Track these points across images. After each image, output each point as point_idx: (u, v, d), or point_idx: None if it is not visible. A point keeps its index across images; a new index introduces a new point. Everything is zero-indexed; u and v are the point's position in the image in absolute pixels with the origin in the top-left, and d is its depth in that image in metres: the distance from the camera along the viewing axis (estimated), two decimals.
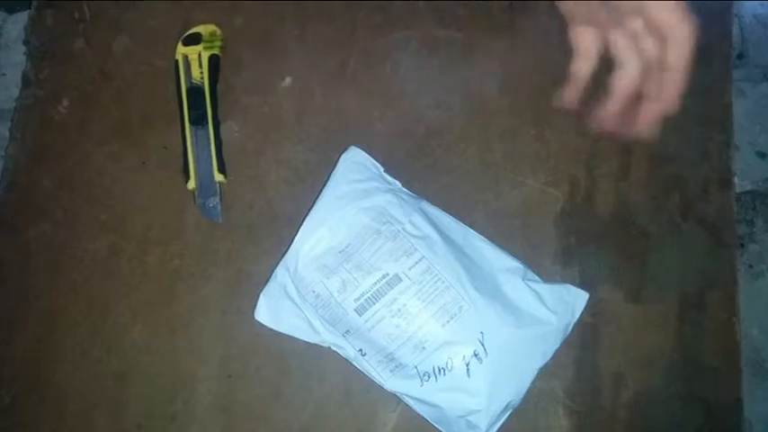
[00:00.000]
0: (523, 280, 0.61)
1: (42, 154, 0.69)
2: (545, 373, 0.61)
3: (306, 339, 0.61)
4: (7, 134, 0.70)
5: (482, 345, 0.57)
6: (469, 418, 0.58)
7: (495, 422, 0.58)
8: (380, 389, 0.60)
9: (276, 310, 0.62)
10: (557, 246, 0.64)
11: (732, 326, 0.63)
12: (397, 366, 0.59)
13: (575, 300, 0.61)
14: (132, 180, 0.67)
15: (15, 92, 0.71)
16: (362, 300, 0.58)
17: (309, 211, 0.61)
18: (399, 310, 0.58)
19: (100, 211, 0.67)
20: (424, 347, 0.57)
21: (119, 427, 0.62)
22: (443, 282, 0.58)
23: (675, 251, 0.64)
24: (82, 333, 0.64)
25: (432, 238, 0.59)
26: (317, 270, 0.60)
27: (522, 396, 0.59)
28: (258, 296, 0.62)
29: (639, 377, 0.62)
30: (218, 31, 0.69)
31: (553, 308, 0.60)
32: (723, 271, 0.64)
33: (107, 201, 0.67)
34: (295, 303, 0.61)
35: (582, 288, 0.62)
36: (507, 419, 0.59)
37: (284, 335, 0.62)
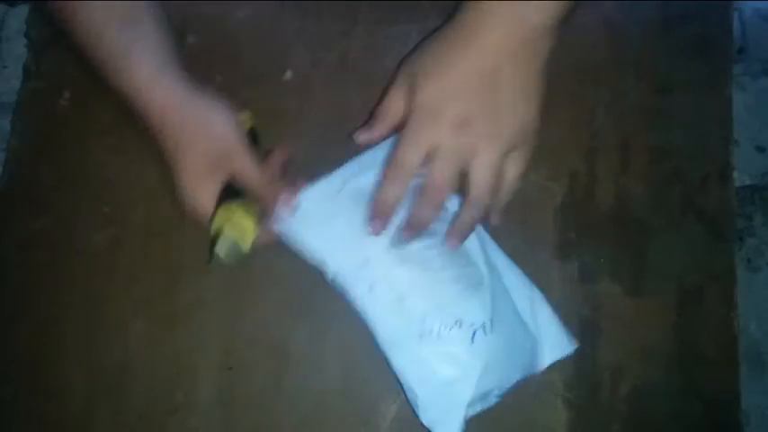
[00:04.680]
0: (530, 298, 0.61)
1: (44, 146, 0.69)
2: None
3: (320, 256, 0.60)
4: (9, 127, 0.70)
5: (491, 322, 0.57)
6: (455, 387, 0.57)
7: (475, 402, 0.57)
8: (381, 381, 0.60)
9: (316, 210, 0.60)
10: (556, 239, 0.64)
11: (730, 320, 0.63)
12: (402, 312, 0.58)
13: (564, 345, 0.61)
14: (134, 173, 0.67)
15: (17, 84, 0.71)
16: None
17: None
18: (427, 259, 0.58)
19: (101, 204, 0.67)
20: (438, 302, 0.57)
21: (120, 419, 0.63)
22: (469, 257, 0.59)
23: (674, 245, 0.64)
24: (83, 326, 0.64)
25: None
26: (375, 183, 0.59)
27: (502, 392, 0.59)
28: (260, 288, 0.62)
29: (638, 370, 0.62)
30: (252, 116, 0.64)
31: (545, 334, 0.61)
32: (722, 265, 0.64)
33: (108, 193, 0.67)
34: (337, 202, 0.60)
35: (581, 284, 0.63)
36: (481, 413, 0.58)
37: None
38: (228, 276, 0.64)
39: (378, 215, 0.57)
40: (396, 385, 0.61)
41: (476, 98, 0.53)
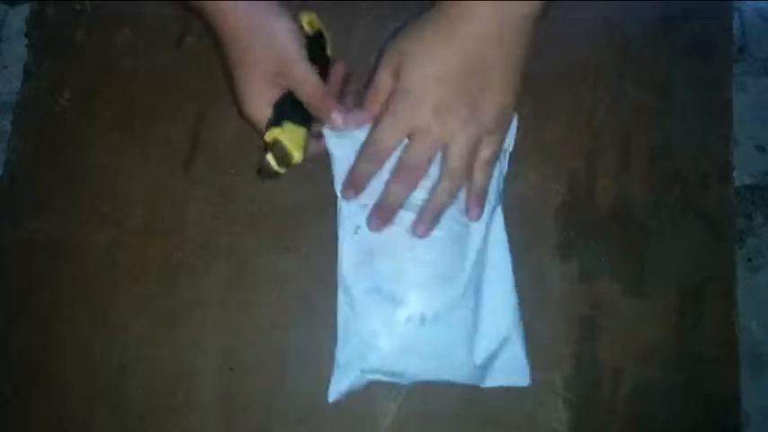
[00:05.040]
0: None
1: (44, 146, 0.69)
2: (544, 365, 0.61)
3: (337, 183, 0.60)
4: (9, 126, 0.70)
5: (433, 318, 0.58)
6: (365, 351, 0.59)
7: (377, 372, 0.59)
8: (380, 381, 0.60)
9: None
10: (556, 239, 0.64)
11: (731, 319, 0.63)
12: (366, 265, 0.59)
13: (518, 376, 0.61)
14: (134, 172, 0.67)
15: (17, 84, 0.71)
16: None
17: None
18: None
19: (101, 204, 0.67)
20: (399, 275, 0.58)
21: (120, 419, 0.63)
22: (462, 253, 0.59)
23: (675, 245, 0.64)
24: (83, 325, 0.64)
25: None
26: None
27: (419, 380, 0.60)
28: (260, 288, 0.62)
29: (638, 370, 0.62)
30: (316, 18, 0.64)
31: (505, 358, 0.60)
32: (722, 264, 0.64)
33: (108, 193, 0.67)
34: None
35: (582, 284, 0.63)
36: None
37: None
38: (228, 276, 0.64)
39: (350, 186, 0.59)
40: (395, 384, 0.61)
41: (457, 84, 0.55)
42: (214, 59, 0.67)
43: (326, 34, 0.63)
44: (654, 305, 0.63)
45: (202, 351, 0.63)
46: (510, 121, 0.59)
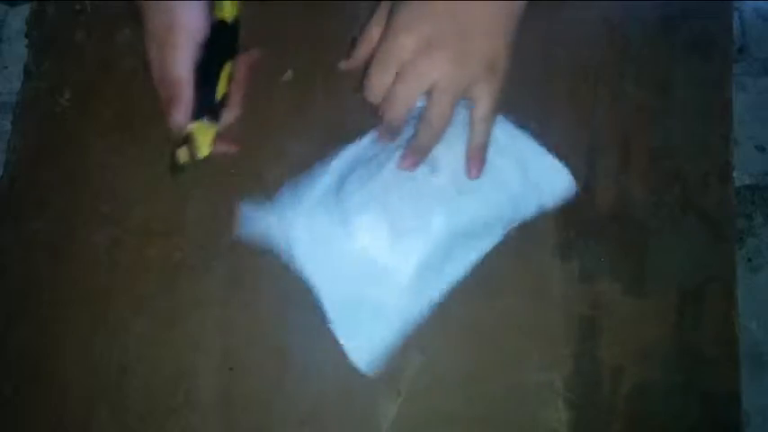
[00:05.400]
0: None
1: (44, 146, 0.69)
2: (544, 365, 0.62)
3: None
4: (9, 127, 0.70)
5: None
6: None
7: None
8: (381, 381, 0.61)
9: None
10: (556, 239, 0.64)
11: (731, 319, 0.63)
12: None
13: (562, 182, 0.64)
14: (134, 172, 0.67)
15: (17, 85, 0.71)
16: None
17: None
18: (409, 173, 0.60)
19: (101, 204, 0.67)
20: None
21: (120, 419, 0.63)
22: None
23: (675, 244, 0.64)
24: (83, 325, 0.64)
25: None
26: None
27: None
28: (260, 288, 0.62)
29: (638, 370, 0.62)
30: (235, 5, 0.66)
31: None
32: (722, 264, 0.64)
33: (108, 193, 0.67)
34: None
35: (582, 284, 0.63)
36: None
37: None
38: (228, 276, 0.64)
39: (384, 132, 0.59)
40: (396, 385, 0.61)
41: (445, 21, 0.54)
42: None
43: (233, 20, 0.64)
44: (654, 305, 0.63)
45: (202, 351, 0.63)
46: (504, 75, 0.57)
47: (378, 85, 0.56)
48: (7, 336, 0.65)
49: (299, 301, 0.63)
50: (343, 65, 0.61)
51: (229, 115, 0.64)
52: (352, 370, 0.62)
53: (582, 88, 0.67)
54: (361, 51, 0.59)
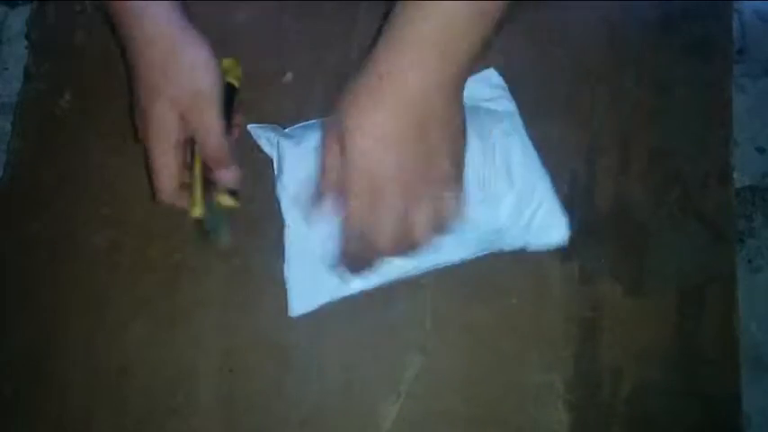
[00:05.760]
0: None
1: (44, 148, 0.69)
2: (544, 366, 0.62)
3: None
4: (9, 128, 0.70)
5: None
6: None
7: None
8: (381, 382, 0.61)
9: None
10: None
11: (731, 320, 0.63)
12: None
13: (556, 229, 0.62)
14: (134, 174, 0.67)
15: (18, 86, 0.71)
16: None
17: None
18: None
19: (101, 205, 0.67)
20: None
21: (119, 420, 0.63)
22: None
23: (675, 246, 0.64)
24: (83, 326, 0.64)
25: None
26: None
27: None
28: (260, 289, 0.62)
29: (639, 371, 0.62)
30: (238, 65, 0.65)
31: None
32: (722, 266, 0.64)
33: (108, 194, 0.67)
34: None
35: (582, 285, 0.63)
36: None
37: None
38: (229, 278, 0.64)
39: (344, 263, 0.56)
40: (396, 386, 0.61)
41: (407, 143, 0.50)
42: None
43: (238, 84, 0.63)
44: (654, 306, 0.63)
45: (202, 352, 0.63)
46: (459, 179, 0.53)
47: (357, 216, 0.52)
48: (7, 336, 0.65)
49: None
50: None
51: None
52: (352, 372, 0.62)
53: (582, 89, 0.67)
54: (330, 189, 0.54)
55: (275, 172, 0.64)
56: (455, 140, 0.52)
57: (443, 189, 0.52)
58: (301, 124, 0.66)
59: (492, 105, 0.64)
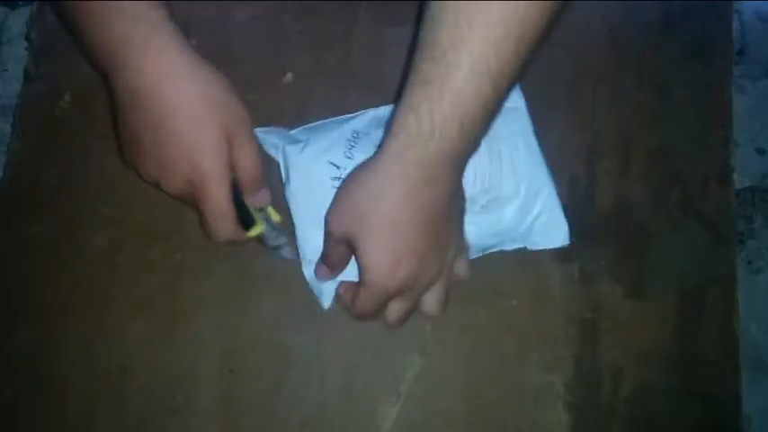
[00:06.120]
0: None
1: (44, 149, 0.69)
2: (544, 367, 0.61)
3: None
4: (9, 129, 0.70)
5: None
6: None
7: None
8: (382, 383, 0.61)
9: None
10: None
11: (731, 322, 0.63)
12: None
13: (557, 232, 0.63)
14: (134, 175, 0.67)
15: (17, 87, 0.71)
16: None
17: None
18: None
19: (101, 206, 0.67)
20: None
21: (119, 421, 0.62)
22: None
23: (675, 247, 0.64)
24: (83, 327, 0.64)
25: None
26: None
27: None
28: (260, 290, 0.63)
29: (639, 372, 0.62)
30: None
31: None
32: (722, 267, 0.64)
33: (109, 195, 0.67)
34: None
35: (582, 286, 0.63)
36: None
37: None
38: (229, 278, 0.64)
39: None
40: (396, 387, 0.61)
41: (430, 255, 0.53)
42: (214, 62, 0.67)
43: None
44: (654, 307, 0.63)
45: (203, 353, 0.63)
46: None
47: (369, 313, 0.56)
48: (7, 337, 0.65)
49: (300, 303, 0.63)
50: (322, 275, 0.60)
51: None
52: (352, 373, 0.62)
53: (582, 90, 0.67)
54: (339, 270, 0.59)
55: (282, 178, 0.64)
56: (462, 215, 0.56)
57: (457, 260, 0.56)
58: (305, 126, 0.66)
59: None
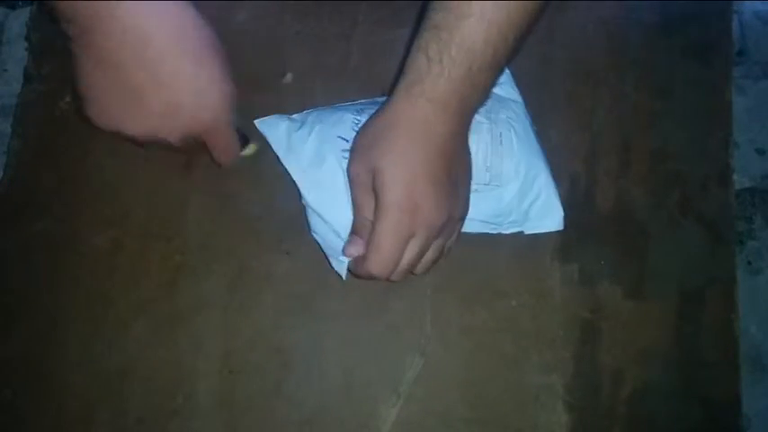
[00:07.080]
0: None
1: (44, 149, 0.69)
2: (544, 368, 0.62)
3: None
4: (9, 130, 0.70)
5: None
6: None
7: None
8: (382, 384, 0.61)
9: None
10: (556, 241, 0.64)
11: (731, 322, 0.63)
12: None
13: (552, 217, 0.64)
14: (134, 175, 0.67)
15: (17, 87, 0.71)
16: None
17: None
18: None
19: (101, 207, 0.67)
20: None
21: (120, 422, 0.62)
22: None
23: (675, 248, 0.64)
24: (83, 328, 0.64)
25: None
26: None
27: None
28: (260, 291, 0.62)
29: (638, 373, 0.62)
30: None
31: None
32: (722, 267, 0.64)
33: (109, 196, 0.67)
34: None
35: (582, 286, 0.63)
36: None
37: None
38: (229, 278, 0.64)
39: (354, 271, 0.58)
40: (396, 388, 0.61)
41: (440, 191, 0.53)
42: None
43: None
44: (654, 308, 0.63)
45: (203, 354, 0.63)
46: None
47: (390, 255, 0.54)
48: (7, 338, 0.65)
49: (300, 303, 0.63)
50: (350, 251, 0.57)
51: None
52: (352, 373, 0.62)
53: (582, 91, 0.67)
54: (360, 234, 0.57)
55: (281, 156, 0.63)
56: (469, 177, 0.57)
57: (459, 223, 0.57)
58: (306, 111, 0.66)
59: (498, 90, 0.64)
